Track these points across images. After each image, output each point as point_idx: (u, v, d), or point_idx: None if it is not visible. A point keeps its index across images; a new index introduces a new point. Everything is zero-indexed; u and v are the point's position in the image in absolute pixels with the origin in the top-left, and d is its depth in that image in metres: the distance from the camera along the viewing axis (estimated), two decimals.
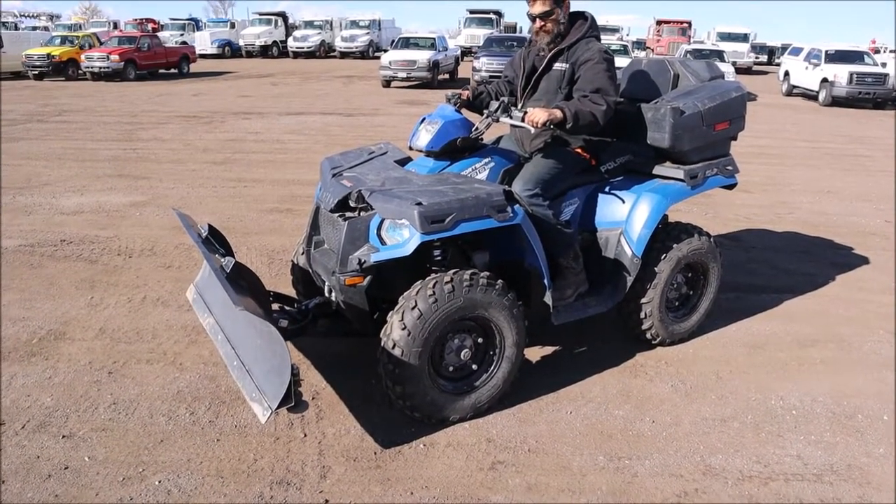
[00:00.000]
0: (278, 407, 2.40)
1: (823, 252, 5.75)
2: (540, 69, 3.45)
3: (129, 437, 2.97)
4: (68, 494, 2.61)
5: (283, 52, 35.20)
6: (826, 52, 19.28)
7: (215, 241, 3.42)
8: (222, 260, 2.97)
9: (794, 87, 20.80)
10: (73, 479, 2.70)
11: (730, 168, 3.90)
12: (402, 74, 19.39)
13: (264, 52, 34.94)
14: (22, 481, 2.67)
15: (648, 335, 3.80)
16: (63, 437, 2.97)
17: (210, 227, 3.46)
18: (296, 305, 3.50)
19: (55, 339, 3.89)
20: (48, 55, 21.78)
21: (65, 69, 22.05)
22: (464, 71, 23.71)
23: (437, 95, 16.89)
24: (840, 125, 14.53)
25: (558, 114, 3.13)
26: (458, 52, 24.58)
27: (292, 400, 2.42)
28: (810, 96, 19.73)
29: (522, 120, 3.17)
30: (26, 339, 3.88)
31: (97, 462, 2.80)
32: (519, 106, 3.43)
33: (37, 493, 2.61)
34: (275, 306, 3.51)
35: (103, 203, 6.86)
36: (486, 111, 3.35)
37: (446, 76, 21.75)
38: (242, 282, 2.99)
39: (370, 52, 33.29)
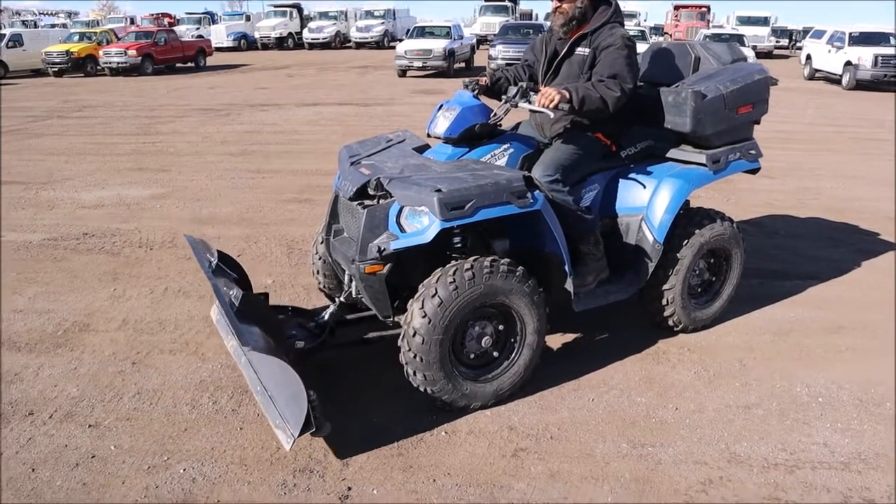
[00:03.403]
0: (300, 434, 2.48)
1: (848, 238, 5.64)
2: (562, 54, 3.41)
3: (153, 427, 3.01)
4: (96, 483, 2.64)
5: (299, 44, 35.21)
6: (850, 34, 18.88)
7: (226, 267, 3.40)
8: (231, 292, 2.94)
9: (817, 70, 20.43)
10: (100, 467, 2.73)
11: (753, 152, 3.83)
12: (418, 64, 19.34)
13: (280, 44, 34.97)
14: (51, 470, 2.71)
15: (670, 322, 3.76)
16: (89, 426, 3.01)
17: (219, 253, 3.42)
18: (314, 320, 3.44)
19: (80, 330, 3.94)
20: (67, 52, 22.01)
21: (83, 65, 22.26)
22: (480, 59, 23.57)
23: (453, 84, 16.80)
24: (864, 109, 14.25)
25: (567, 94, 3.08)
26: (474, 41, 24.40)
27: (313, 426, 2.50)
28: (833, 80, 19.36)
29: (539, 103, 3.13)
30: (52, 330, 3.93)
31: (123, 451, 2.84)
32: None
33: (65, 481, 2.65)
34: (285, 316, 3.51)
35: (124, 196, 6.93)
36: (504, 97, 3.31)
37: (462, 65, 21.63)
38: (253, 309, 2.96)
39: (385, 41, 33.20)
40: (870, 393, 3.31)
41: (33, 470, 2.72)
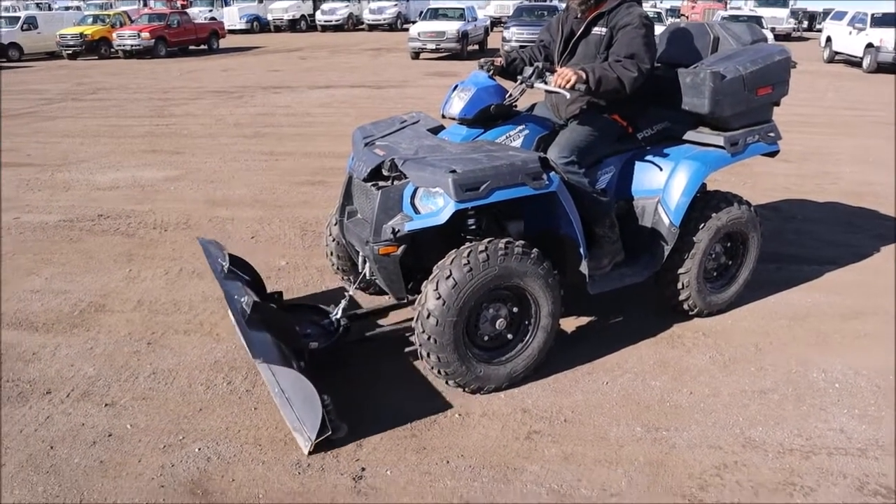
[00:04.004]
0: (317, 438, 2.56)
1: (867, 223, 5.56)
2: (578, 33, 3.36)
3: (168, 406, 3.03)
4: (113, 461, 2.67)
5: (312, 26, 35.06)
6: (872, 15, 18.48)
7: (238, 270, 3.38)
8: (243, 299, 2.93)
9: (837, 53, 20.05)
10: (117, 445, 2.76)
11: (772, 134, 3.77)
12: (431, 46, 19.22)
13: (292, 26, 34.85)
14: (69, 447, 2.75)
15: (686, 306, 3.73)
16: (106, 405, 3.04)
17: (231, 256, 3.40)
18: (328, 317, 3.41)
19: (95, 310, 3.97)
20: (81, 34, 22.02)
21: (97, 48, 22.29)
22: (493, 41, 23.40)
23: (466, 67, 16.69)
24: (885, 92, 13.97)
25: (583, 75, 3.05)
26: (488, 23, 24.20)
27: (329, 429, 2.59)
28: (854, 63, 19.00)
29: (555, 83, 3.09)
30: (68, 311, 3.97)
31: (139, 430, 2.86)
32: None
33: (83, 458, 2.68)
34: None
35: (138, 178, 6.95)
36: (520, 77, 3.27)
37: (476, 47, 21.46)
38: (265, 315, 2.92)
39: (398, 24, 32.98)
40: (888, 379, 3.27)
41: (52, 447, 2.75)
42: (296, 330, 3.10)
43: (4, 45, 21.56)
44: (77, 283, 4.37)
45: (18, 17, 23.09)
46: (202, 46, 24.52)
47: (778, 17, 28.56)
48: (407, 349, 3.09)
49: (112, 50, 22.25)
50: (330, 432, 2.62)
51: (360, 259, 3.35)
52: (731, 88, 3.42)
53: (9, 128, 9.87)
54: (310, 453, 2.67)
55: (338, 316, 3.36)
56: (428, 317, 2.82)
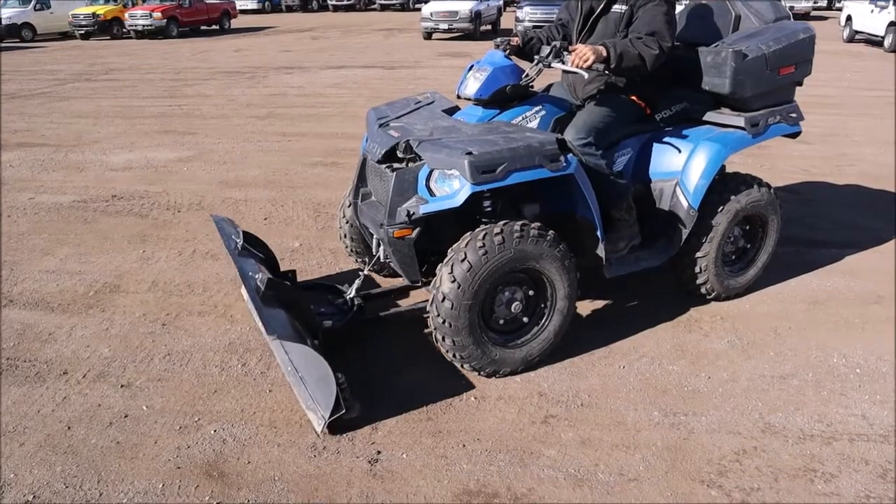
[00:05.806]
0: (331, 417, 2.54)
1: (888, 206, 5.46)
2: (598, 11, 3.29)
3: (184, 388, 3.04)
4: (129, 441, 2.68)
5: (323, 6, 34.86)
6: None
7: (252, 248, 3.37)
8: (257, 277, 2.91)
9: (857, 32, 19.60)
10: (133, 426, 2.77)
11: (794, 115, 3.69)
12: (444, 26, 19.01)
13: (304, 6, 34.66)
14: (85, 428, 2.76)
15: (703, 290, 3.68)
16: (121, 386, 3.05)
17: (245, 233, 3.38)
18: (342, 296, 3.40)
19: (110, 291, 3.98)
20: (93, 14, 22.02)
21: (109, 28, 22.28)
22: (507, 22, 23.11)
23: (479, 47, 16.57)
24: None
25: (603, 51, 2.99)
26: (501, 2, 23.85)
27: (343, 408, 2.57)
28: (875, 42, 18.59)
29: (572, 63, 3.03)
30: (83, 291, 3.98)
31: (155, 411, 2.87)
32: None
33: (99, 439, 2.69)
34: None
35: (151, 159, 6.95)
36: (537, 56, 3.21)
37: (488, 27, 21.21)
38: (279, 292, 2.91)
39: (410, 3, 32.70)
40: None
41: (69, 428, 2.76)
42: (310, 308, 3.09)
43: (18, 26, 21.57)
44: (92, 263, 4.38)
45: None
46: (214, 26, 24.42)
47: None
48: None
49: (124, 30, 22.22)
50: (344, 411, 2.60)
51: (375, 242, 3.33)
52: (753, 68, 3.34)
53: (23, 108, 9.90)
54: (323, 433, 2.67)
55: (352, 295, 3.35)
56: (443, 300, 2.80)
